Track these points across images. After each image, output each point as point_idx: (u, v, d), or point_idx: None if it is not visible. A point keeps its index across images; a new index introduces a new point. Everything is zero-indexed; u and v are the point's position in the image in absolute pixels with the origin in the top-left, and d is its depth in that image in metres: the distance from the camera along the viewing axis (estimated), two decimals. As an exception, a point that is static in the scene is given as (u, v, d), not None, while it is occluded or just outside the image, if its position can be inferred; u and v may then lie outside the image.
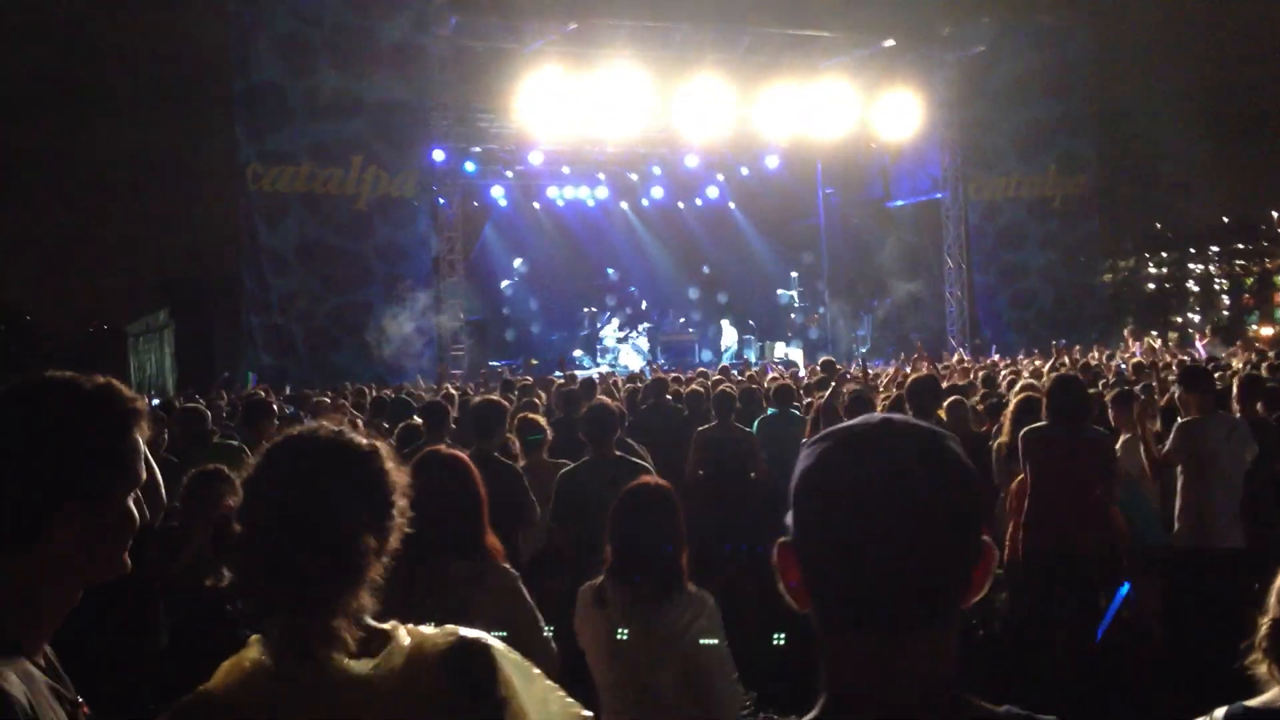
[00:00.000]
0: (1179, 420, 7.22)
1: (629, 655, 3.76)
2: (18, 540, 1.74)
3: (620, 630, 3.78)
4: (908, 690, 1.32)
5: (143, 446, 1.88)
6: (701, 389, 11.22)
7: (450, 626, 1.94)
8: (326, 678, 1.81)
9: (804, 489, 1.38)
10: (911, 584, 1.31)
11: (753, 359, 26.59)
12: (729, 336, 28.42)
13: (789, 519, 1.40)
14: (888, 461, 1.33)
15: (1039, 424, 6.86)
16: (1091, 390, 9.71)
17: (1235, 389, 8.03)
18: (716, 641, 3.80)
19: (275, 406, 10.94)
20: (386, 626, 1.92)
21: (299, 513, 1.86)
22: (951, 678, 1.36)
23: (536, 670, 2.04)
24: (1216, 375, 9.80)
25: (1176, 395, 7.67)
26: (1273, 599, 2.17)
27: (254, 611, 1.88)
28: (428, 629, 1.93)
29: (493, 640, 1.96)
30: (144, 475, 1.88)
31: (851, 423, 1.42)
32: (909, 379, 8.34)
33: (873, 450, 1.35)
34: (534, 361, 24.01)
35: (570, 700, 2.10)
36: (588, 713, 2.10)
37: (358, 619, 1.88)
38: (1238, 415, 7.53)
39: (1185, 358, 16.45)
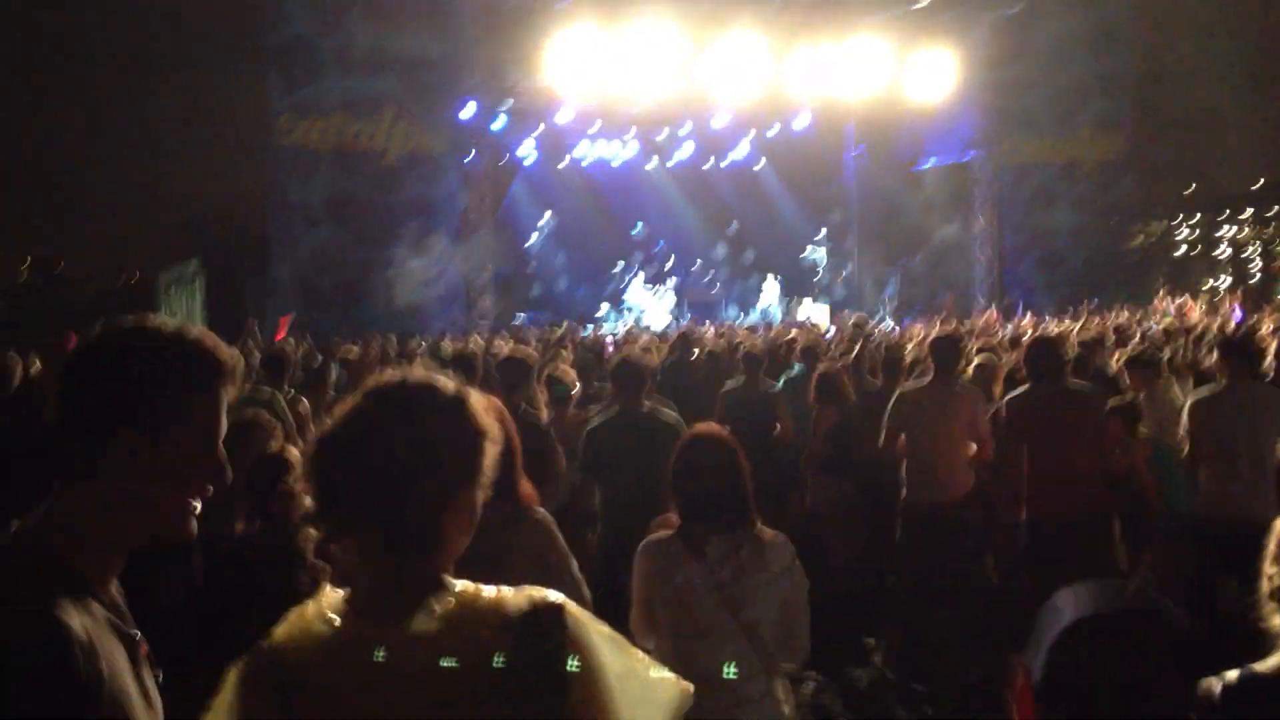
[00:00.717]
0: (1191, 396, 7.16)
1: (734, 597, 3.80)
2: (76, 463, 1.78)
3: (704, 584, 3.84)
4: None
5: (223, 406, 1.89)
6: (727, 346, 11.25)
7: (529, 589, 1.88)
8: (403, 640, 1.79)
9: (1060, 651, 1.41)
10: None
11: (777, 315, 26.53)
12: (770, 294, 28.27)
13: (1038, 658, 1.41)
14: (1135, 644, 1.39)
15: (1020, 390, 6.90)
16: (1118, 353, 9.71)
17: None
18: (805, 587, 3.94)
19: (302, 355, 11.04)
20: (465, 585, 1.88)
21: (402, 458, 1.84)
22: None
23: (627, 644, 1.94)
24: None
25: (1214, 361, 7.56)
26: (1273, 547, 2.17)
27: (351, 554, 1.87)
28: (508, 591, 1.88)
29: (572, 607, 1.87)
30: (219, 433, 1.89)
31: (1107, 612, 1.44)
32: (933, 337, 8.32)
33: (1123, 632, 1.41)
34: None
35: (666, 674, 2.01)
36: (687, 684, 2.01)
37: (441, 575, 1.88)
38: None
39: (1218, 320, 16.36)
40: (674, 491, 4.01)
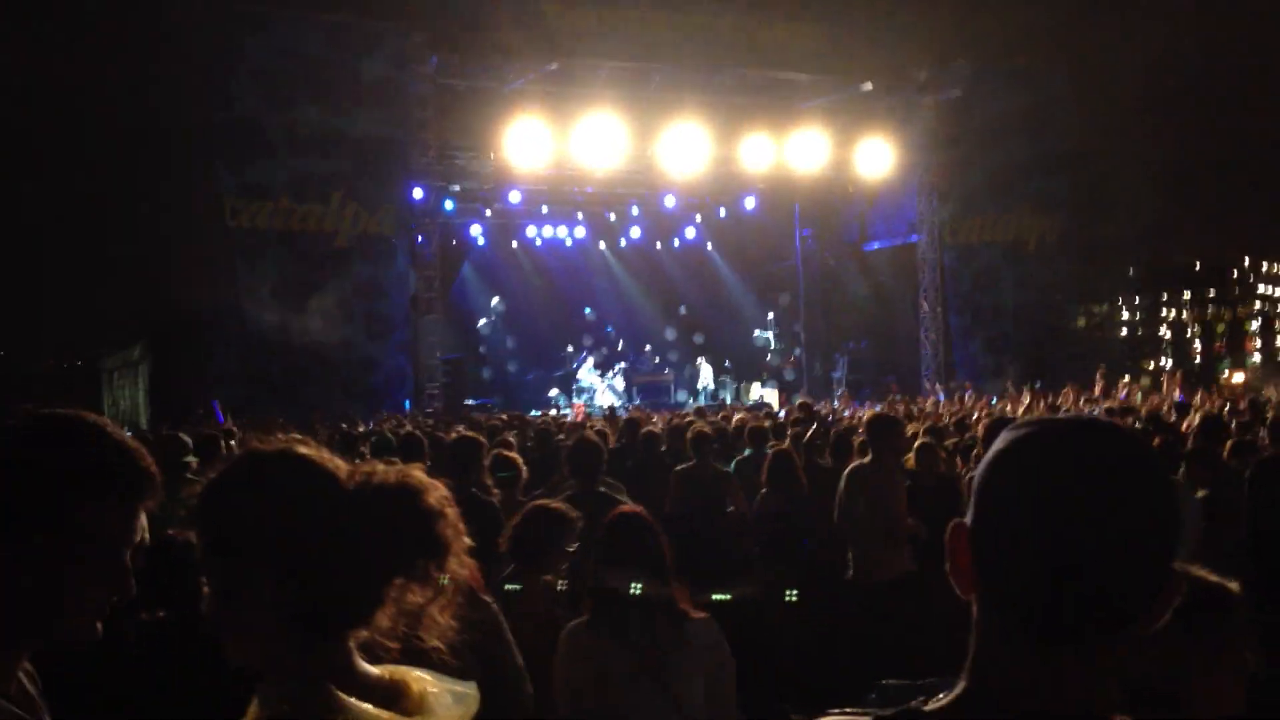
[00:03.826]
0: None
1: (660, 673, 3.79)
2: None
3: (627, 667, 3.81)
4: (1066, 703, 1.25)
5: (134, 517, 1.81)
6: (677, 428, 11.23)
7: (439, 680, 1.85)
8: None
9: (993, 472, 1.31)
10: (1092, 591, 1.23)
11: (728, 400, 26.62)
12: (705, 376, 28.43)
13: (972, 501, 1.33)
14: (1090, 458, 1.26)
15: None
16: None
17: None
18: (731, 664, 3.95)
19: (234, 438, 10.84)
20: (387, 673, 1.81)
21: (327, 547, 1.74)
22: (1113, 702, 1.28)
23: None
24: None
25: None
26: None
27: (314, 631, 1.75)
28: (427, 677, 1.84)
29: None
30: (124, 543, 1.80)
31: (1055, 417, 1.35)
32: (868, 416, 8.49)
33: (1075, 445, 1.28)
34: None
35: None
36: None
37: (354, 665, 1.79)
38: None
39: (1162, 402, 16.55)
40: (595, 569, 4.04)
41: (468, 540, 1.87)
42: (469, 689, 1.89)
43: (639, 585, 3.90)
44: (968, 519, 1.33)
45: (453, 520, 1.84)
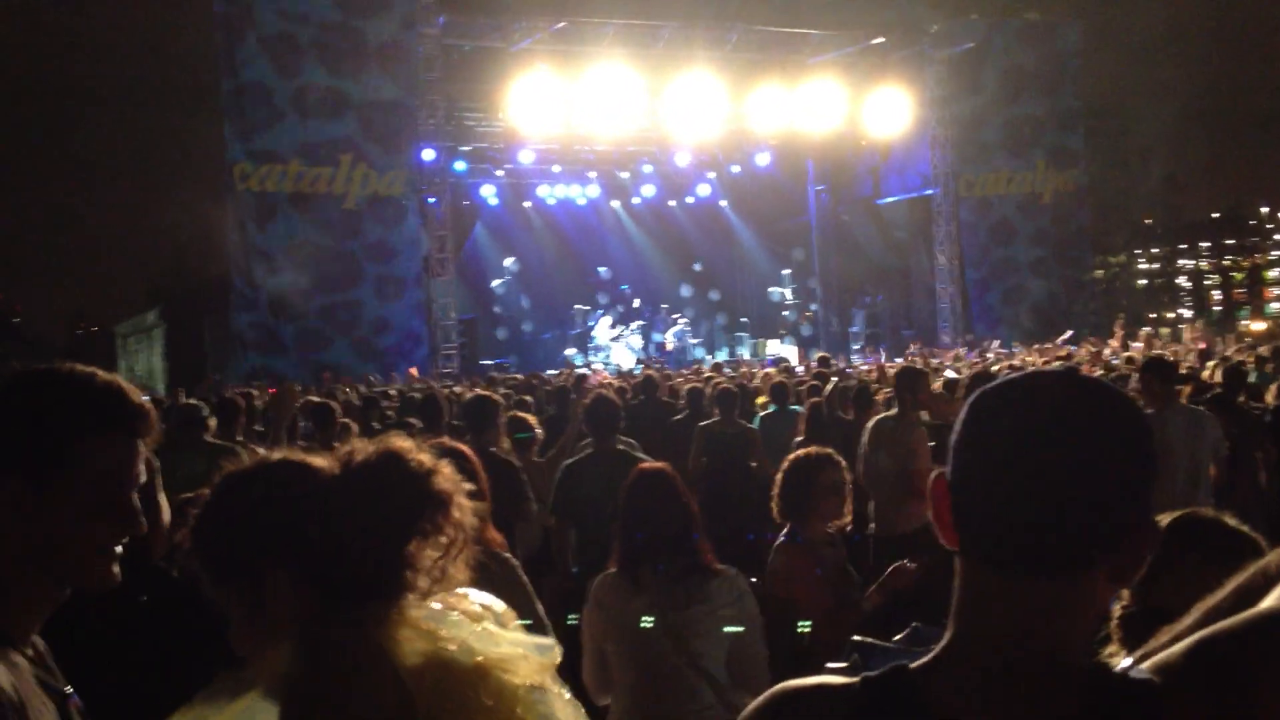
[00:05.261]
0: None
1: (677, 629, 3.78)
2: None
3: (647, 618, 3.80)
4: (1037, 639, 1.30)
5: (134, 453, 1.83)
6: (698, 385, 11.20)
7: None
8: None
9: (967, 421, 1.37)
10: (1057, 530, 1.28)
11: (746, 356, 26.56)
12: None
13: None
14: (1059, 405, 1.32)
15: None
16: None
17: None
18: (756, 622, 3.91)
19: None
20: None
21: (365, 524, 1.76)
22: (1085, 638, 1.35)
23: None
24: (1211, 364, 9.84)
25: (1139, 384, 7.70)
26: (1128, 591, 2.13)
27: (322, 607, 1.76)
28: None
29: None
30: (127, 480, 1.81)
31: (1035, 370, 1.42)
32: (898, 370, 8.47)
33: (1047, 393, 1.34)
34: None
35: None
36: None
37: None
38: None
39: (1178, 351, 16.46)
40: (619, 527, 4.03)
41: (469, 486, 1.87)
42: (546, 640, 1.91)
43: (662, 543, 3.88)
44: (947, 470, 1.38)
45: (447, 474, 1.84)
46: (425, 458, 1.83)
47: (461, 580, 1.84)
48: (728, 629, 3.82)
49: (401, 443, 1.84)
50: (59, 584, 1.77)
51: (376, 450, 1.82)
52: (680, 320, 27.86)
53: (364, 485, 1.79)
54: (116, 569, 1.80)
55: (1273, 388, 8.89)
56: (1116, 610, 2.16)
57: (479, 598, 1.89)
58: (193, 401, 8.55)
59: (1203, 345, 17.39)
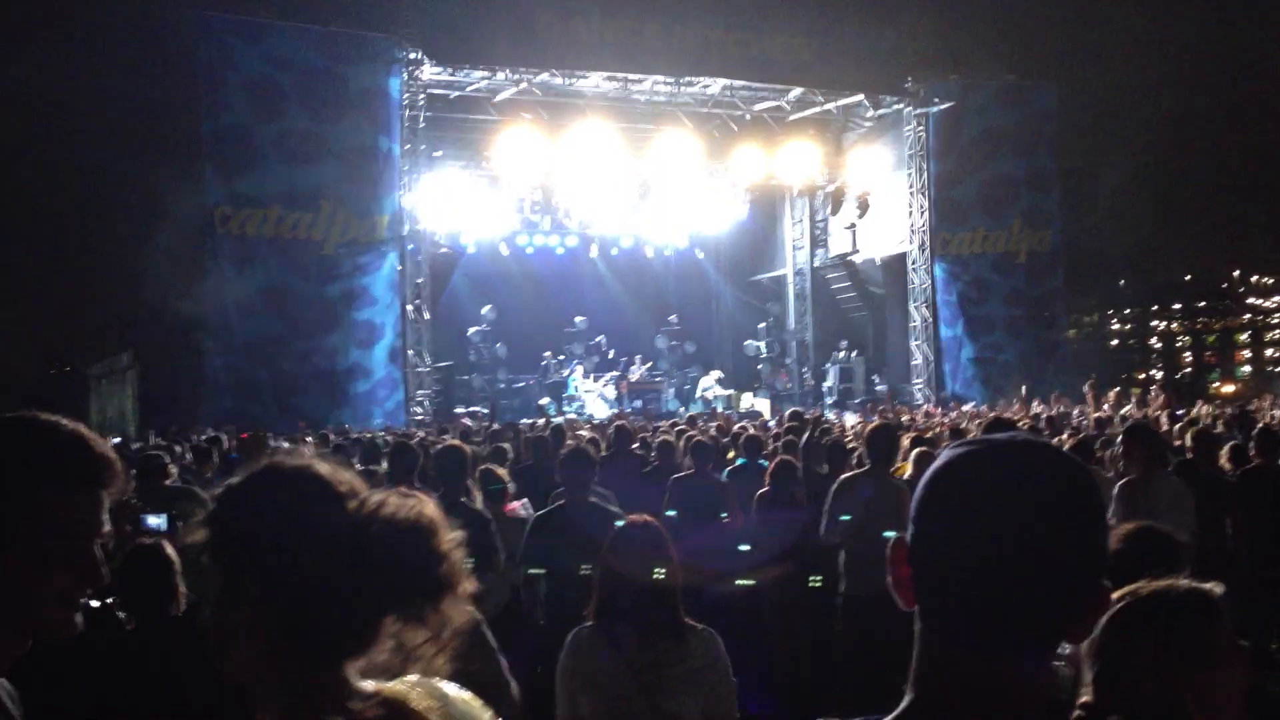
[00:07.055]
0: (1120, 481, 7.22)
1: (651, 686, 3.76)
2: None
3: (635, 665, 3.79)
4: (1000, 712, 1.30)
5: (97, 505, 1.82)
6: (670, 439, 11.19)
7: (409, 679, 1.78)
8: None
9: (928, 490, 1.37)
10: (1018, 602, 1.28)
11: (719, 409, 26.56)
12: (709, 381, 28.15)
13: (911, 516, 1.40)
14: (1018, 476, 1.32)
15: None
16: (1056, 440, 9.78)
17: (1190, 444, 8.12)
18: (731, 681, 3.90)
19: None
20: (371, 687, 1.75)
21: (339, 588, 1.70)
22: (1042, 708, 1.34)
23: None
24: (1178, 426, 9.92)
25: (1120, 449, 7.69)
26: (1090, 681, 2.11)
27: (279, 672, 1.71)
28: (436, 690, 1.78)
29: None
30: (90, 532, 1.80)
31: (992, 435, 1.41)
32: (868, 427, 8.45)
33: (1006, 463, 1.34)
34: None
35: None
36: None
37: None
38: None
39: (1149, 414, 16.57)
40: (600, 580, 4.00)
41: (470, 586, 1.78)
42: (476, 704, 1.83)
43: (641, 600, 3.86)
44: (907, 534, 1.38)
45: (458, 564, 1.77)
46: (450, 540, 1.77)
47: (441, 670, 1.77)
48: (707, 680, 3.81)
49: (435, 516, 1.76)
50: (19, 634, 1.77)
51: (410, 514, 1.74)
52: (647, 365, 28.01)
53: (382, 541, 1.71)
54: (79, 619, 1.79)
55: (1224, 449, 8.95)
56: (1081, 699, 2.11)
57: (450, 689, 1.80)
58: (151, 451, 8.54)
59: (1168, 407, 17.51)
